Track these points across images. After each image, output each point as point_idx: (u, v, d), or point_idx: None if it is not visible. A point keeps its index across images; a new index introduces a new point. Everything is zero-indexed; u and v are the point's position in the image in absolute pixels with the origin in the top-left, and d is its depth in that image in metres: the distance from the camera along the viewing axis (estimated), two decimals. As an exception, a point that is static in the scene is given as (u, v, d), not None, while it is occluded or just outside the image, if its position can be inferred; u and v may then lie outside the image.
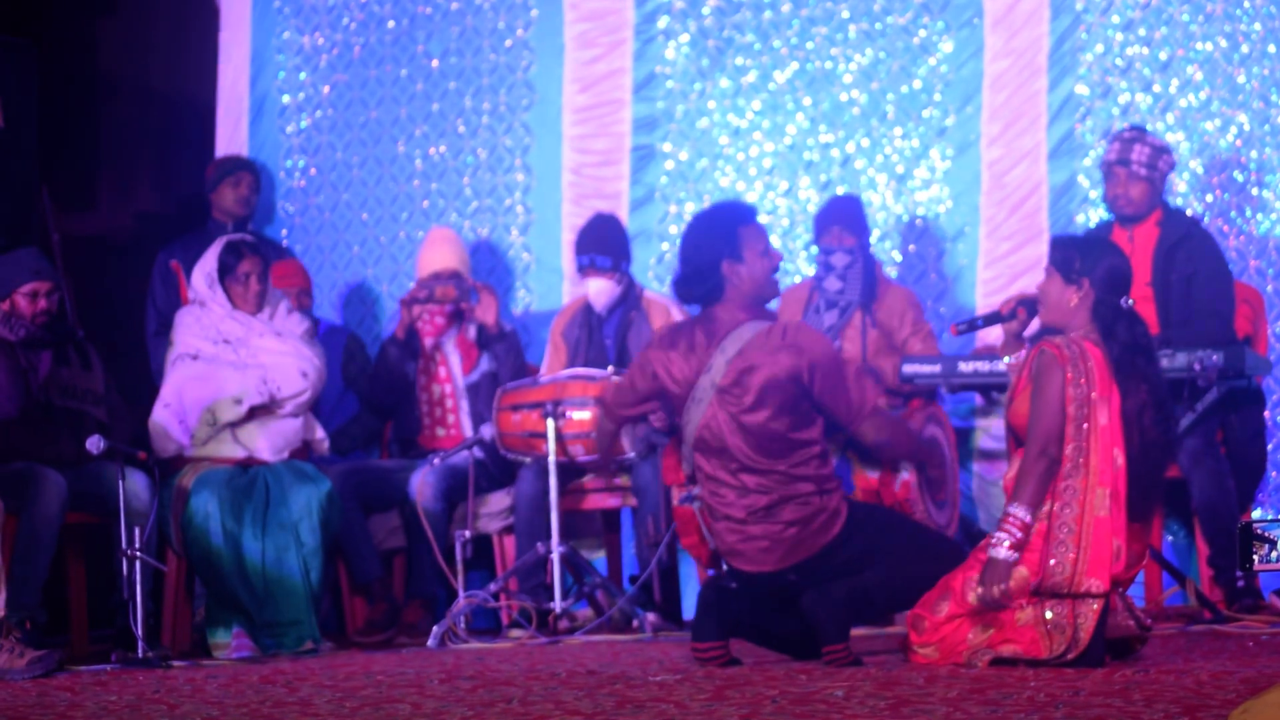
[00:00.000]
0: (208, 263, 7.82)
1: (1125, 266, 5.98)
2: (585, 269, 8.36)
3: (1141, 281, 7.63)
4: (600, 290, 8.35)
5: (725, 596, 6.21)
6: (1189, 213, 8.03)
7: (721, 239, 6.33)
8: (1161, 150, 7.73)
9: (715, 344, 6.29)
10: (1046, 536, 5.76)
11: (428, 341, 8.42)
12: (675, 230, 9.00)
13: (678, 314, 8.32)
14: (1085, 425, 5.76)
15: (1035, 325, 6.31)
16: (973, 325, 6.65)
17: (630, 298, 8.39)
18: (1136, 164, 7.69)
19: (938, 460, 7.22)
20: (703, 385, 6.29)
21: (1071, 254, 5.95)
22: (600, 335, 8.39)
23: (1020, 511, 5.77)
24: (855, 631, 6.32)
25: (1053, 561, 5.72)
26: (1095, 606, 5.72)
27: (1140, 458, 5.83)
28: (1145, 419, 5.83)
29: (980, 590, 5.79)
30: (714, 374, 6.26)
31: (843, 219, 8.16)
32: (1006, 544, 5.76)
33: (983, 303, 8.60)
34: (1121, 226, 7.78)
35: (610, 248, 8.37)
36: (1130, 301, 5.93)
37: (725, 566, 6.36)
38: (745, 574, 6.28)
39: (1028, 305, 6.25)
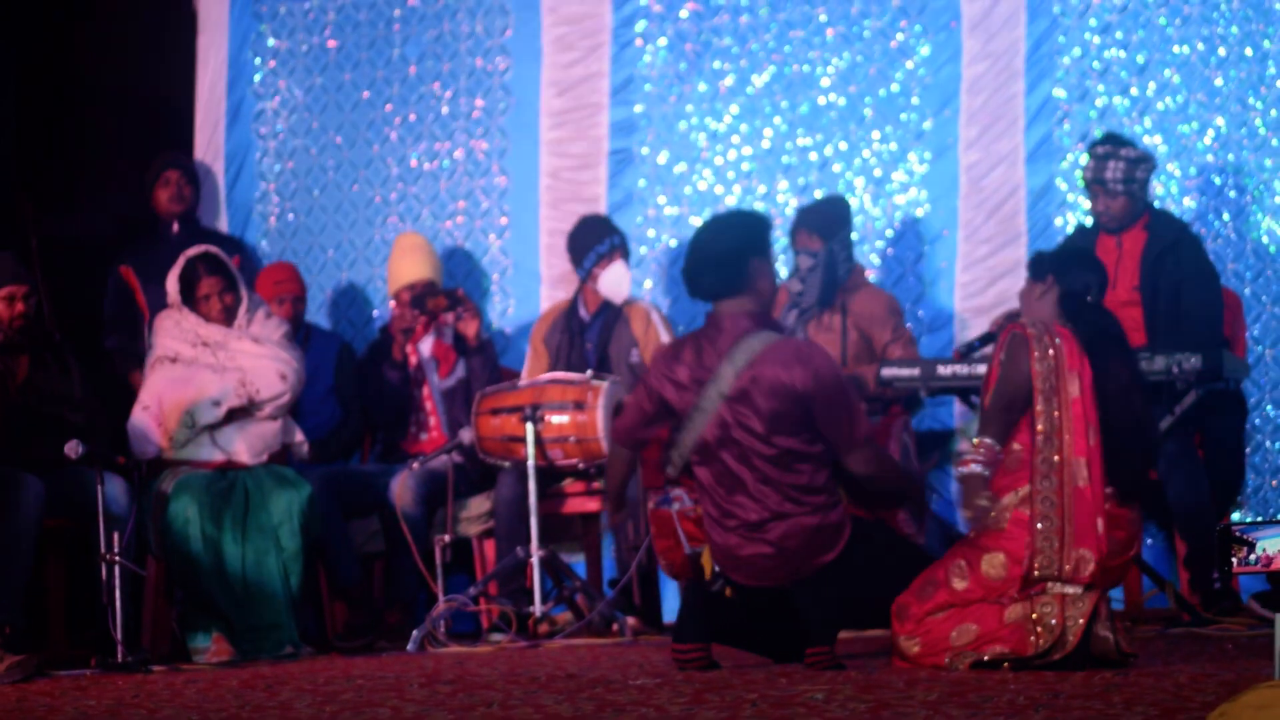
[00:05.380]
0: (171, 284, 7.80)
1: (1093, 268, 6.11)
2: (613, 250, 8.33)
3: (1130, 286, 7.65)
4: (623, 277, 8.33)
5: (708, 599, 6.20)
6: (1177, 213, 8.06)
7: (754, 234, 6.26)
8: (1138, 160, 7.70)
9: (722, 353, 6.19)
10: (1029, 517, 5.82)
11: (410, 354, 8.43)
12: (654, 234, 9.00)
13: (657, 319, 8.33)
14: (1055, 399, 5.85)
15: None
16: (971, 348, 6.75)
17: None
18: (1112, 181, 7.68)
19: (918, 492, 7.19)
20: (709, 395, 6.19)
21: (1041, 256, 6.17)
22: (582, 340, 8.38)
23: (989, 439, 5.95)
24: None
25: (1040, 537, 5.78)
26: (1085, 607, 5.75)
27: (1125, 435, 5.89)
28: (1128, 398, 5.92)
29: (966, 512, 5.97)
30: (721, 384, 6.17)
31: (810, 222, 8.17)
32: (975, 463, 5.94)
33: (961, 306, 8.62)
34: (1109, 234, 7.77)
35: (622, 234, 8.44)
36: (1093, 298, 6.05)
37: (716, 569, 6.31)
38: (743, 586, 6.25)
39: (1014, 320, 6.34)
